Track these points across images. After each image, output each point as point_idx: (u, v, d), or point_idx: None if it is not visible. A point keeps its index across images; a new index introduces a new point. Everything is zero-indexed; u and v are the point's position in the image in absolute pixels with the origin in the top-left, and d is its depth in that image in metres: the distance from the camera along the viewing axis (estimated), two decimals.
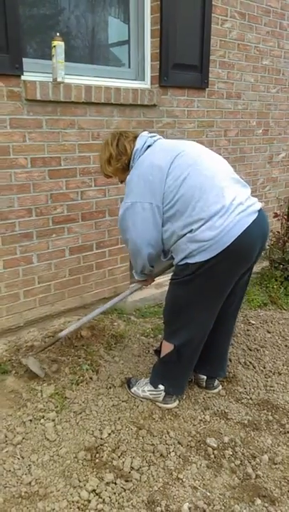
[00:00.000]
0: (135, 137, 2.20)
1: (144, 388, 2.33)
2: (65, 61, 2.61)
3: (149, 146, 2.16)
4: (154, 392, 2.29)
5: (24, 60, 2.52)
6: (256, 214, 1.99)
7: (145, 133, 2.22)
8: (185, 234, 1.99)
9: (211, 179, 1.98)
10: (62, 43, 2.57)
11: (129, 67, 3.21)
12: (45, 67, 2.65)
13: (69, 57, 2.67)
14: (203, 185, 1.96)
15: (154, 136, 2.22)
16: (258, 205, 2.04)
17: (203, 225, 1.93)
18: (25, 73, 2.53)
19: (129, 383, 2.41)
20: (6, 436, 2.02)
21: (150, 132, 2.26)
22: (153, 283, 2.78)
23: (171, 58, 3.19)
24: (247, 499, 1.78)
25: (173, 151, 2.07)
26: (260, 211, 2.03)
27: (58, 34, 2.58)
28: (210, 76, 3.50)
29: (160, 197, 2.01)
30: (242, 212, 1.94)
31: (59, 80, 2.62)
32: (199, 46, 3.35)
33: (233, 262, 2.00)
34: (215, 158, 2.12)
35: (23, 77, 2.53)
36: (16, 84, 2.50)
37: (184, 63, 3.29)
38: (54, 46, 2.56)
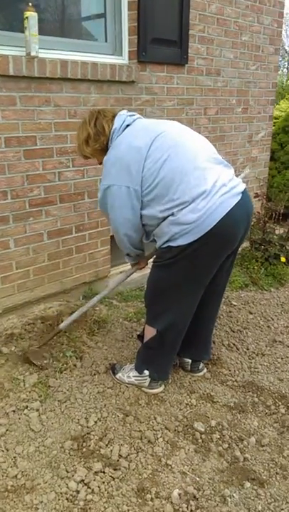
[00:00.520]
0: (114, 116, 2.10)
1: (129, 374, 2.30)
2: (39, 34, 2.46)
3: (127, 126, 2.07)
4: (140, 378, 2.26)
5: None
6: (240, 195, 1.95)
7: (124, 111, 2.13)
8: (166, 217, 1.93)
9: (192, 161, 1.91)
10: (35, 14, 2.41)
11: (106, 41, 3.06)
12: (18, 41, 2.49)
13: (42, 30, 2.52)
14: (184, 167, 1.90)
15: (134, 115, 2.13)
16: (242, 187, 1.99)
17: (185, 207, 1.88)
18: None
19: (113, 369, 2.38)
20: None
21: (129, 111, 2.17)
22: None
23: (149, 32, 3.06)
24: (236, 482, 1.79)
25: (153, 131, 1.99)
26: (243, 192, 1.98)
27: (30, 4, 2.42)
28: (189, 52, 3.40)
29: (138, 180, 1.94)
30: (225, 194, 1.89)
31: (33, 54, 2.47)
32: (178, 20, 3.23)
33: (217, 245, 1.96)
34: (196, 138, 2.05)
35: None
36: None
37: (163, 38, 3.17)
38: (26, 17, 2.41)
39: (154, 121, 2.15)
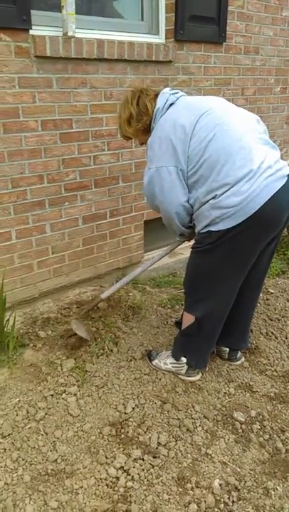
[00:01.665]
0: (156, 95, 2.03)
1: (166, 361, 2.27)
2: (75, 13, 2.39)
3: (171, 105, 1.99)
4: (177, 365, 2.23)
5: (32, 12, 2.31)
6: (285, 179, 1.85)
7: (167, 89, 2.05)
8: (208, 200, 1.86)
9: (238, 141, 1.82)
10: None
11: (142, 19, 2.97)
12: (55, 21, 2.43)
13: (78, 9, 2.45)
14: (230, 147, 1.81)
15: (177, 92, 2.05)
16: (287, 170, 1.90)
17: (228, 190, 1.80)
18: (33, 27, 2.32)
19: (150, 356, 2.35)
20: (28, 412, 1.97)
21: (172, 88, 2.09)
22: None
23: (187, 10, 2.95)
24: (279, 475, 1.74)
25: (198, 109, 1.91)
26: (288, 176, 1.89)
27: None
28: (227, 29, 3.26)
29: (184, 160, 1.87)
30: (270, 177, 1.80)
31: (70, 34, 2.41)
32: None
33: (259, 230, 1.88)
34: (244, 116, 1.95)
35: (31, 32, 2.32)
36: (24, 39, 2.30)
37: (201, 15, 3.05)
38: None
39: (199, 99, 2.06)
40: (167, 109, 1.99)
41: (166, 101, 1.99)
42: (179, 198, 1.94)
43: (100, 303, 2.68)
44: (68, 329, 2.44)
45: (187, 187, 1.93)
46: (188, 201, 1.95)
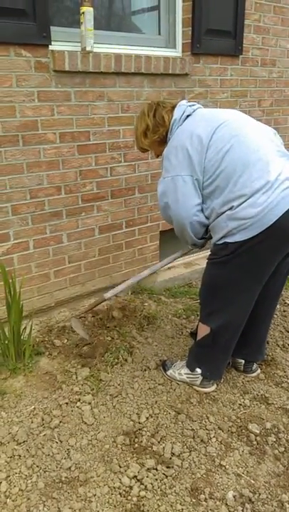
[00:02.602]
0: (173, 107, 2.06)
1: (180, 371, 2.26)
2: (93, 29, 2.46)
3: (188, 116, 2.01)
4: (191, 376, 2.23)
5: (51, 28, 2.38)
6: None
7: (184, 102, 2.08)
8: (224, 211, 1.86)
9: (255, 152, 1.83)
10: (91, 9, 2.42)
11: (159, 33, 3.03)
12: (73, 36, 2.51)
13: (96, 24, 2.51)
14: (247, 158, 1.82)
15: (194, 105, 2.07)
16: None
17: (244, 201, 1.80)
18: (52, 43, 2.40)
19: (164, 366, 2.35)
20: (42, 420, 1.99)
21: (189, 100, 2.12)
22: (182, 262, 2.68)
23: (204, 23, 3.00)
24: None
25: (214, 120, 1.92)
26: None
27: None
28: (244, 42, 3.30)
29: (200, 171, 1.88)
30: (287, 189, 1.80)
31: (88, 49, 2.48)
32: (233, 10, 3.14)
33: (276, 242, 1.86)
34: (260, 128, 1.96)
35: (50, 47, 2.39)
36: (44, 54, 2.38)
37: (218, 29, 3.09)
38: (83, 13, 2.42)
39: (216, 111, 2.08)
40: (184, 120, 2.01)
41: (183, 112, 2.01)
42: (193, 208, 1.94)
43: (114, 312, 2.70)
44: (83, 338, 2.47)
45: (202, 197, 1.94)
46: (202, 212, 1.96)
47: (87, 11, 2.41)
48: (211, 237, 2.31)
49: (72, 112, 2.57)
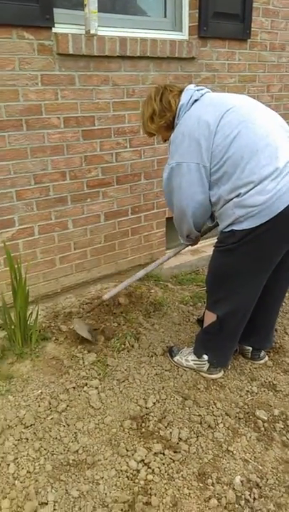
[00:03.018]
0: (180, 91, 2.01)
1: (187, 357, 2.25)
2: (98, 11, 2.41)
3: (195, 101, 1.97)
4: (198, 362, 2.21)
5: (54, 10, 2.34)
6: None
7: (191, 86, 2.03)
8: (232, 198, 1.83)
9: (264, 138, 1.79)
10: None
11: (165, 16, 2.97)
12: (77, 19, 2.46)
13: (101, 7, 2.46)
14: (256, 144, 1.78)
15: (202, 89, 2.02)
16: None
17: (252, 188, 1.77)
18: (56, 25, 2.36)
19: (171, 352, 2.34)
20: (49, 404, 1.98)
21: (197, 84, 2.07)
22: (189, 249, 2.67)
23: (211, 6, 2.94)
24: None
25: (223, 105, 1.88)
26: None
27: None
28: (252, 26, 3.23)
29: (208, 156, 1.85)
30: None
31: (92, 32, 2.43)
32: None
33: (284, 230, 1.82)
34: (269, 114, 1.91)
35: (54, 30, 2.35)
36: (47, 37, 2.34)
37: (225, 12, 3.03)
38: None
39: (224, 95, 2.04)
40: (192, 105, 1.96)
41: (191, 97, 1.97)
42: (197, 196, 1.92)
43: (121, 298, 2.69)
44: (90, 324, 2.46)
45: (210, 184, 1.91)
46: (208, 200, 1.93)
47: None
48: (204, 233, 2.28)
49: (76, 96, 2.53)
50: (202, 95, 1.98)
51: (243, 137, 1.80)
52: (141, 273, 2.50)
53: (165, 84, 2.12)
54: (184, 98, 1.97)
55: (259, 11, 3.28)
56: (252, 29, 3.24)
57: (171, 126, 2.03)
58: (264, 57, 3.42)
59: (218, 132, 1.83)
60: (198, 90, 2.00)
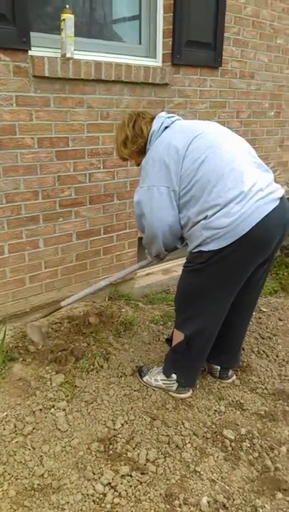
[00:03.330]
0: (152, 118, 2.09)
1: (156, 377, 2.26)
2: (74, 36, 2.47)
3: (166, 128, 2.04)
4: (167, 382, 2.22)
5: (31, 33, 2.39)
6: (277, 202, 1.88)
7: (163, 113, 2.11)
8: (199, 221, 1.89)
9: (229, 163, 1.86)
10: (72, 16, 2.44)
11: (140, 43, 3.07)
12: (54, 42, 2.51)
13: (77, 31, 2.53)
14: (221, 169, 1.85)
15: (172, 116, 2.10)
16: (280, 192, 1.92)
17: (218, 211, 1.83)
18: (32, 48, 2.40)
19: (140, 372, 2.34)
20: (15, 426, 1.95)
21: (168, 112, 2.15)
22: (160, 268, 2.71)
23: (184, 35, 3.05)
24: (267, 493, 1.72)
25: (191, 131, 1.96)
26: (282, 199, 1.91)
27: (67, 6, 2.45)
28: (223, 54, 3.37)
29: (177, 180, 1.91)
30: (261, 199, 1.83)
31: (68, 55, 2.49)
32: (213, 22, 3.21)
33: (250, 252, 1.89)
34: (236, 140, 2.00)
35: (30, 52, 2.39)
36: (23, 59, 2.37)
37: (198, 40, 3.15)
38: (63, 19, 2.43)
39: (194, 122, 2.12)
40: (162, 131, 2.04)
41: (162, 124, 2.04)
42: (167, 219, 1.97)
43: (91, 318, 2.69)
44: (59, 344, 2.44)
45: (178, 207, 1.96)
46: (178, 222, 1.99)
47: (68, 18, 2.42)
48: (175, 249, 2.35)
49: (51, 118, 2.56)
50: (172, 122, 2.06)
51: (210, 162, 1.87)
52: (103, 283, 2.53)
53: (138, 111, 2.19)
54: (155, 125, 2.04)
55: (230, 41, 3.42)
56: (223, 57, 3.38)
57: (143, 152, 2.08)
58: (234, 84, 3.56)
59: (187, 157, 1.90)
60: (168, 117, 2.07)
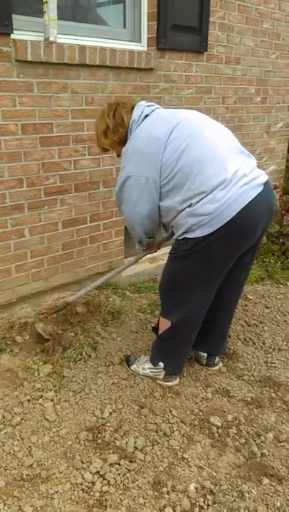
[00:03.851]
0: (132, 107, 2.06)
1: (144, 366, 2.27)
2: (57, 19, 2.40)
3: (146, 116, 2.02)
4: (155, 370, 2.24)
5: (13, 16, 2.31)
6: (261, 187, 1.88)
7: (142, 102, 2.08)
8: (184, 208, 1.88)
9: (212, 150, 1.86)
10: None
11: (125, 27, 3.00)
12: (37, 26, 2.44)
13: (61, 15, 2.46)
14: (204, 156, 1.84)
15: (152, 105, 2.08)
16: (264, 178, 1.93)
17: (203, 198, 1.83)
18: (14, 31, 2.33)
19: (128, 361, 2.35)
20: (3, 417, 1.95)
21: (147, 101, 2.12)
22: (147, 257, 2.71)
23: (169, 19, 2.99)
24: (254, 478, 1.76)
25: (172, 120, 1.95)
26: (265, 184, 1.92)
27: None
28: (209, 39, 3.32)
29: (157, 170, 1.90)
30: (245, 185, 1.83)
31: (51, 39, 2.42)
32: (199, 6, 3.15)
33: (235, 237, 1.90)
34: (217, 127, 2.00)
35: (12, 36, 2.32)
36: (5, 43, 2.31)
37: (183, 24, 3.10)
38: (46, 2, 2.35)
39: (174, 111, 2.10)
40: (142, 120, 2.02)
41: (142, 113, 2.02)
42: (144, 209, 1.98)
43: (78, 308, 2.68)
44: (39, 333, 2.44)
45: (161, 196, 1.96)
46: (157, 211, 1.99)
47: (51, 0, 2.35)
48: (163, 242, 2.34)
49: (34, 103, 2.51)
50: (152, 111, 2.04)
51: (192, 150, 1.86)
52: (103, 279, 2.55)
53: (117, 100, 2.17)
54: (136, 114, 2.01)
55: (215, 25, 3.37)
56: (209, 42, 3.33)
57: (124, 141, 2.06)
58: (220, 69, 3.52)
59: (168, 146, 1.89)
60: (148, 106, 2.05)
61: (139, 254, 2.48)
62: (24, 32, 2.41)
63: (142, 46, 3.01)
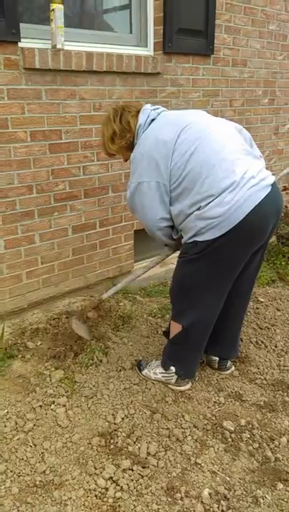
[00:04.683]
0: (138, 111, 2.06)
1: (155, 370, 2.26)
2: (64, 27, 2.43)
3: (152, 120, 2.02)
4: (166, 375, 2.23)
5: (21, 25, 2.34)
6: (269, 188, 1.87)
7: (148, 106, 2.08)
8: (193, 212, 1.88)
9: (219, 152, 1.85)
10: (61, 6, 2.38)
11: (131, 32, 3.01)
12: (44, 33, 2.46)
13: (67, 22, 2.48)
14: (212, 159, 1.84)
15: (158, 108, 2.08)
16: (272, 179, 1.92)
17: (212, 201, 1.82)
18: (22, 40, 2.36)
19: (139, 365, 2.35)
20: (16, 423, 1.95)
21: (153, 104, 2.12)
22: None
23: (175, 23, 3.00)
24: (268, 483, 1.74)
25: (178, 124, 1.94)
26: (273, 185, 1.91)
27: None
28: (215, 42, 3.32)
29: (167, 175, 1.90)
30: (254, 187, 1.82)
31: (59, 46, 2.44)
32: (204, 9, 3.16)
33: (244, 239, 1.89)
34: (224, 128, 1.98)
35: (20, 44, 2.35)
36: (13, 51, 2.33)
37: (189, 28, 3.10)
38: (53, 10, 2.38)
39: (180, 113, 2.09)
40: (149, 124, 2.02)
41: (148, 117, 2.02)
42: (159, 214, 1.98)
43: (89, 313, 2.68)
44: (58, 340, 2.44)
45: (170, 200, 1.95)
46: (169, 215, 1.99)
47: (57, 8, 2.37)
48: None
49: (43, 110, 2.53)
50: (158, 114, 2.04)
51: (200, 153, 1.85)
52: (138, 272, 2.53)
53: (122, 105, 2.17)
54: (142, 118, 2.02)
55: (222, 28, 3.37)
56: (215, 45, 3.33)
57: (131, 147, 2.06)
58: (227, 72, 3.52)
59: (176, 150, 1.89)
60: (154, 110, 2.06)
61: (164, 252, 2.44)
62: (32, 40, 2.43)
63: (148, 51, 3.02)
